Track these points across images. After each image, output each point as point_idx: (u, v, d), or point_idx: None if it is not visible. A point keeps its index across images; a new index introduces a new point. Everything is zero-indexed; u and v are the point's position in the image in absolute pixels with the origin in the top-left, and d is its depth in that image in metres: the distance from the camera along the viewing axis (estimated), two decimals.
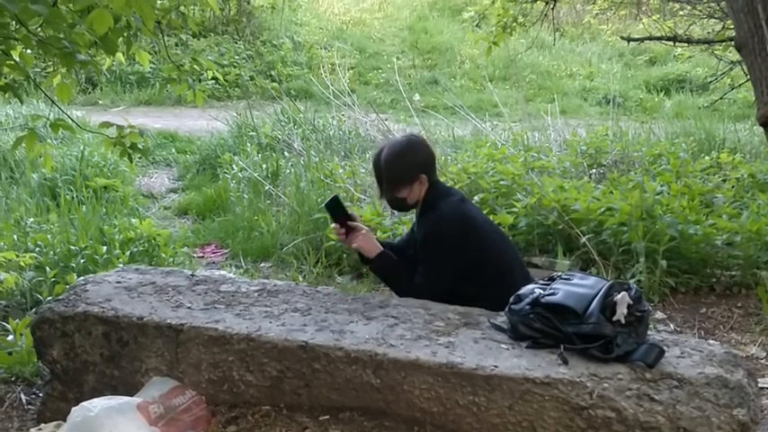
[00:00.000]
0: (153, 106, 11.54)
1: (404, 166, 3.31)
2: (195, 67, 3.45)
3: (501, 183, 5.49)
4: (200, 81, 9.08)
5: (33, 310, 4.05)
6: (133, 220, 5.12)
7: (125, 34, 2.92)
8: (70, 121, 3.19)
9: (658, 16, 8.32)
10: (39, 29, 2.86)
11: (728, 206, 5.10)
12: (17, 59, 3.05)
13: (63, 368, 3.01)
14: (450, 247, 3.24)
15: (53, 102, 3.22)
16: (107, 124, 3.26)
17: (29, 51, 3.23)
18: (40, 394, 3.32)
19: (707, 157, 6.63)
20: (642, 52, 14.36)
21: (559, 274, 2.91)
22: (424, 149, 3.39)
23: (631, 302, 2.66)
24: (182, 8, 3.34)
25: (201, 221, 6.29)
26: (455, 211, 3.29)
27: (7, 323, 3.77)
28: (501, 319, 2.86)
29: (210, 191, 6.74)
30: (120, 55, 3.35)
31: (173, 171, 8.13)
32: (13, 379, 3.50)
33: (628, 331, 2.61)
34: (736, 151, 7.02)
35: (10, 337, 3.64)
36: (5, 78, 3.12)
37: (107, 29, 2.31)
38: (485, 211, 4.91)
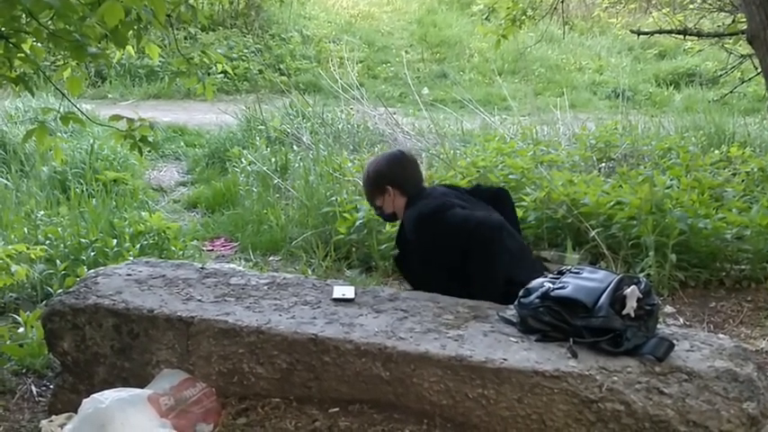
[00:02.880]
0: (162, 100, 11.55)
1: (372, 178, 3.59)
2: (205, 60, 3.46)
3: (510, 177, 5.47)
4: (209, 74, 9.08)
5: (44, 302, 4.07)
6: (143, 214, 5.13)
7: (135, 27, 2.93)
8: (80, 114, 3.20)
9: (668, 10, 8.28)
10: (49, 22, 2.86)
11: (738, 200, 5.07)
12: (28, 52, 3.06)
13: (74, 360, 3.03)
14: (424, 250, 3.36)
15: (63, 95, 3.23)
16: (117, 117, 3.27)
17: (39, 44, 3.23)
18: (51, 386, 3.33)
19: (716, 151, 6.59)
20: (652, 46, 14.29)
21: (569, 267, 2.91)
22: (398, 164, 3.59)
23: (641, 296, 2.66)
24: (191, 1, 3.34)
25: (211, 215, 6.30)
26: (414, 217, 3.42)
27: (18, 315, 3.79)
28: (510, 312, 2.86)
29: (220, 184, 6.74)
30: (129, 48, 3.35)
31: (182, 164, 8.14)
32: (24, 371, 3.52)
33: (637, 325, 2.62)
34: (746, 145, 6.96)
35: (21, 330, 3.66)
36: (16, 71, 3.13)
37: (118, 21, 2.32)
38: None
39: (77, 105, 3.53)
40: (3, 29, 2.92)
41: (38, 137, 3.20)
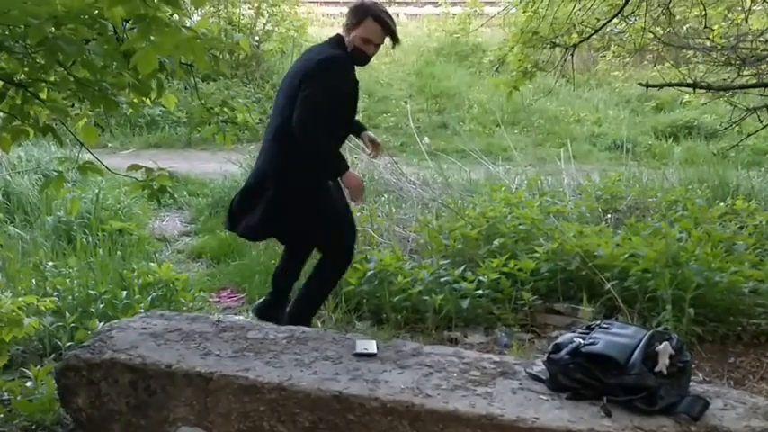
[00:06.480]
0: (162, 149, 11.51)
1: None
2: (225, 110, 3.44)
3: (520, 227, 5.44)
4: (209, 124, 9.09)
5: (51, 355, 3.99)
6: (151, 265, 5.06)
7: (159, 76, 2.91)
8: (100, 165, 3.16)
9: (671, 63, 8.34)
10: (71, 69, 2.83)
11: (749, 253, 5.04)
12: (44, 100, 3.02)
13: (88, 417, 2.95)
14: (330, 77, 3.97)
15: (83, 144, 3.19)
16: (136, 167, 3.23)
17: (58, 93, 3.19)
18: None
19: (722, 204, 6.58)
20: (649, 99, 14.37)
21: (598, 322, 2.86)
22: None
23: (673, 353, 2.61)
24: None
25: (216, 265, 6.22)
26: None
27: (26, 368, 3.70)
28: (538, 368, 2.80)
29: (225, 234, 6.66)
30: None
31: (185, 214, 8.07)
32: (33, 427, 3.41)
33: (670, 382, 2.56)
34: (750, 198, 6.97)
35: (30, 384, 3.56)
36: (35, 120, 3.08)
37: (151, 70, 2.29)
38: (505, 256, 4.90)
39: (80, 155, 3.49)
40: (22, 77, 2.89)
41: (55, 187, 3.16)
